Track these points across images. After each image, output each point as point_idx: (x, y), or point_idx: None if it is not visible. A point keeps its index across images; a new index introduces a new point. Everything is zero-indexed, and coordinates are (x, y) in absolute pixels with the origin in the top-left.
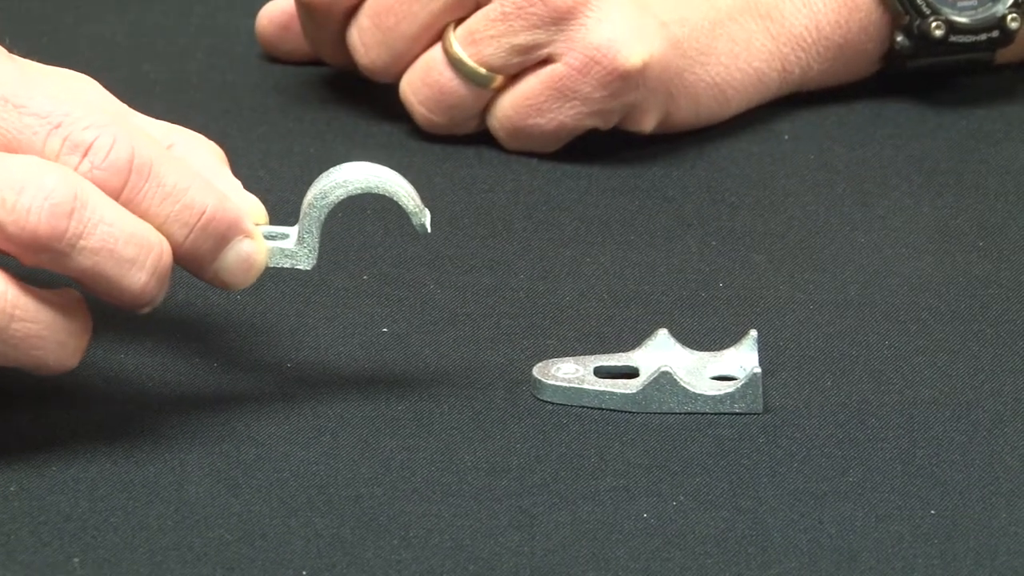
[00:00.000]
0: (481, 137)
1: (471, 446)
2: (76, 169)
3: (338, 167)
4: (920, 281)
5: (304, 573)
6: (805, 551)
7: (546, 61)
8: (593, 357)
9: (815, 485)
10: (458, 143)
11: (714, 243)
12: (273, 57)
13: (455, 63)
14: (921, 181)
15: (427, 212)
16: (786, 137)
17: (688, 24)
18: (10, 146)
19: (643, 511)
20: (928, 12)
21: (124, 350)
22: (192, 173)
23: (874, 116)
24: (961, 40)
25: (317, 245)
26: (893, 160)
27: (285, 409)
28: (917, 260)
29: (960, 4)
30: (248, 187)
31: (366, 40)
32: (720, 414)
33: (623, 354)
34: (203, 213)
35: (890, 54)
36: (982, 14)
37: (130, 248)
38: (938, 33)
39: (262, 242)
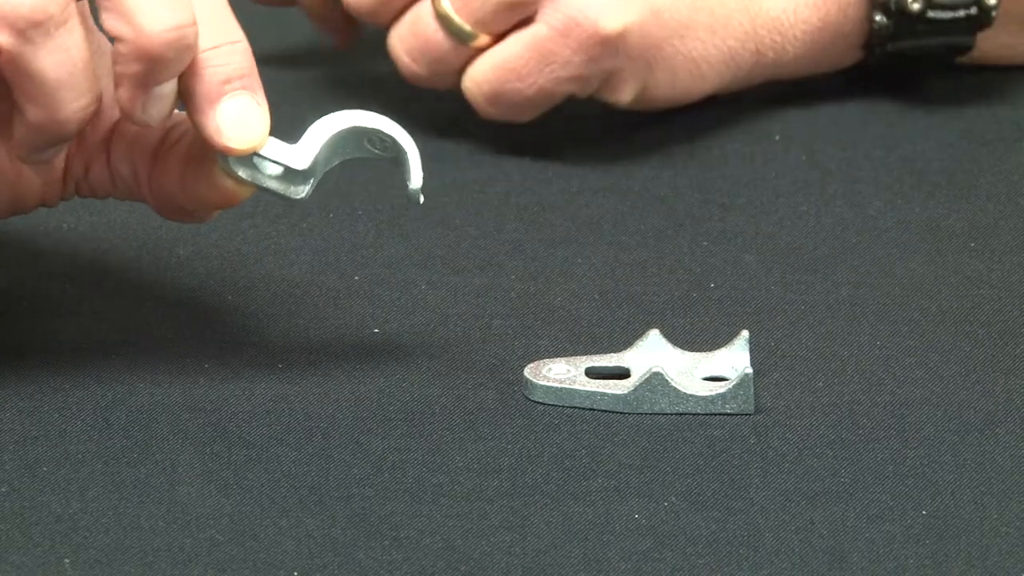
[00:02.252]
0: (473, 138)
1: (462, 447)
2: None
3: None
4: (911, 282)
5: (295, 574)
6: (796, 552)
7: (527, 22)
8: (584, 358)
9: (806, 486)
10: (450, 143)
11: (705, 243)
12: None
13: (441, 17)
14: (912, 182)
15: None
16: (777, 137)
17: None
18: None
19: (634, 512)
20: None
21: (115, 351)
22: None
23: (865, 117)
24: (939, 16)
25: (320, 177)
26: (884, 161)
27: (276, 410)
28: (908, 260)
29: None
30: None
31: None
32: (712, 415)
33: (614, 355)
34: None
35: (870, 39)
36: None
37: None
38: (915, 7)
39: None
